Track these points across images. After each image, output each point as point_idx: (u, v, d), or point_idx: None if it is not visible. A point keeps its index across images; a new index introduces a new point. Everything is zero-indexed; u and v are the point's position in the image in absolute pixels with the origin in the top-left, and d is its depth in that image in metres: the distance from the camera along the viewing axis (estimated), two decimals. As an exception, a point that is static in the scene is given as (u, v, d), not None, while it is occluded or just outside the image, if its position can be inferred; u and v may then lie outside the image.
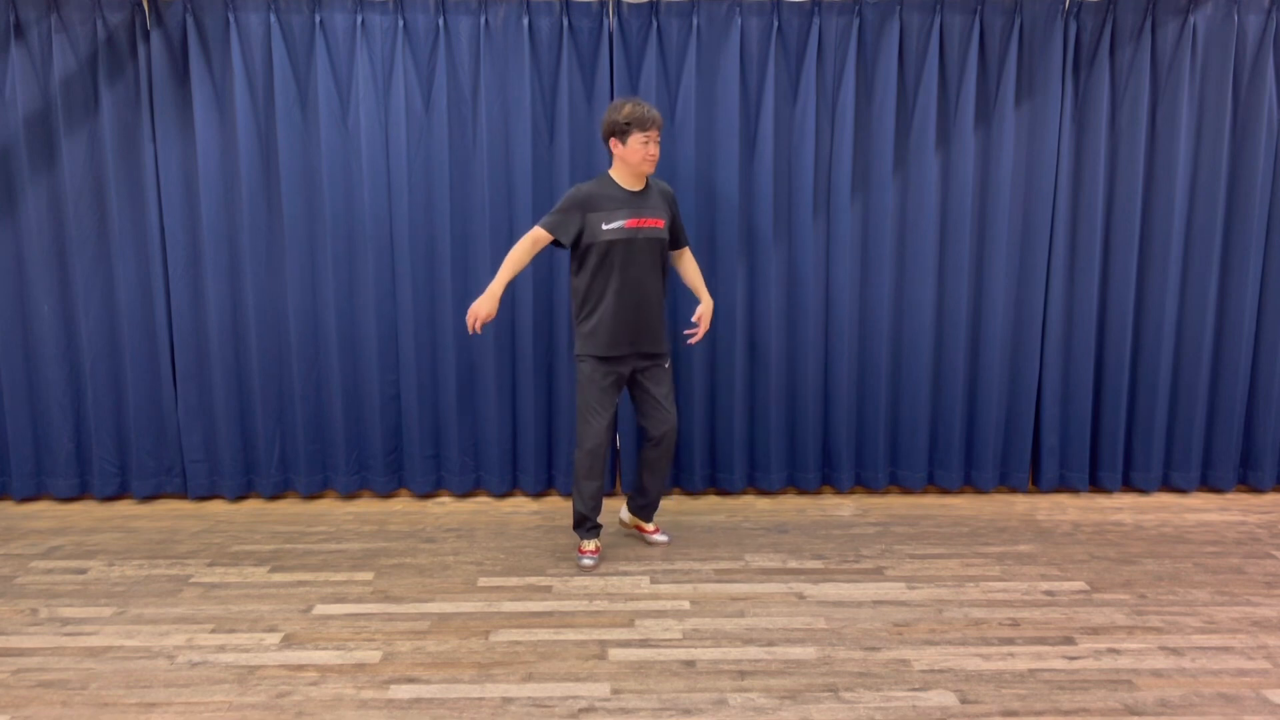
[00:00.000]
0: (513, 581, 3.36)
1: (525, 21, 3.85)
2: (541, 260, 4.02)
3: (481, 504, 4.19)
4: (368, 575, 3.41)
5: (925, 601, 3.19)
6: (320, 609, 3.14)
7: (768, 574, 3.42)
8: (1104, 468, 4.27)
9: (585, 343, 3.43)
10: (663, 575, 3.41)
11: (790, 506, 4.15)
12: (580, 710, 2.55)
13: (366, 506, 4.16)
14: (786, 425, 4.22)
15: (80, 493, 4.22)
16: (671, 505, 4.12)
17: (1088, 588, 3.30)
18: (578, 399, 3.47)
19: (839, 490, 4.29)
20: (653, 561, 3.54)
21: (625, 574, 3.43)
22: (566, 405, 4.13)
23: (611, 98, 3.94)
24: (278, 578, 3.40)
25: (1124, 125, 4.03)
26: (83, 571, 3.46)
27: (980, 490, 4.29)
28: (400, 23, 3.85)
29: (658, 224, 3.41)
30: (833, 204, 4.04)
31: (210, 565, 3.51)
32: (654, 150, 3.36)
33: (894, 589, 3.29)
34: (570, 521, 3.86)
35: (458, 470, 4.21)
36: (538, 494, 4.27)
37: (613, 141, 3.36)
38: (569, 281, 3.59)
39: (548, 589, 3.30)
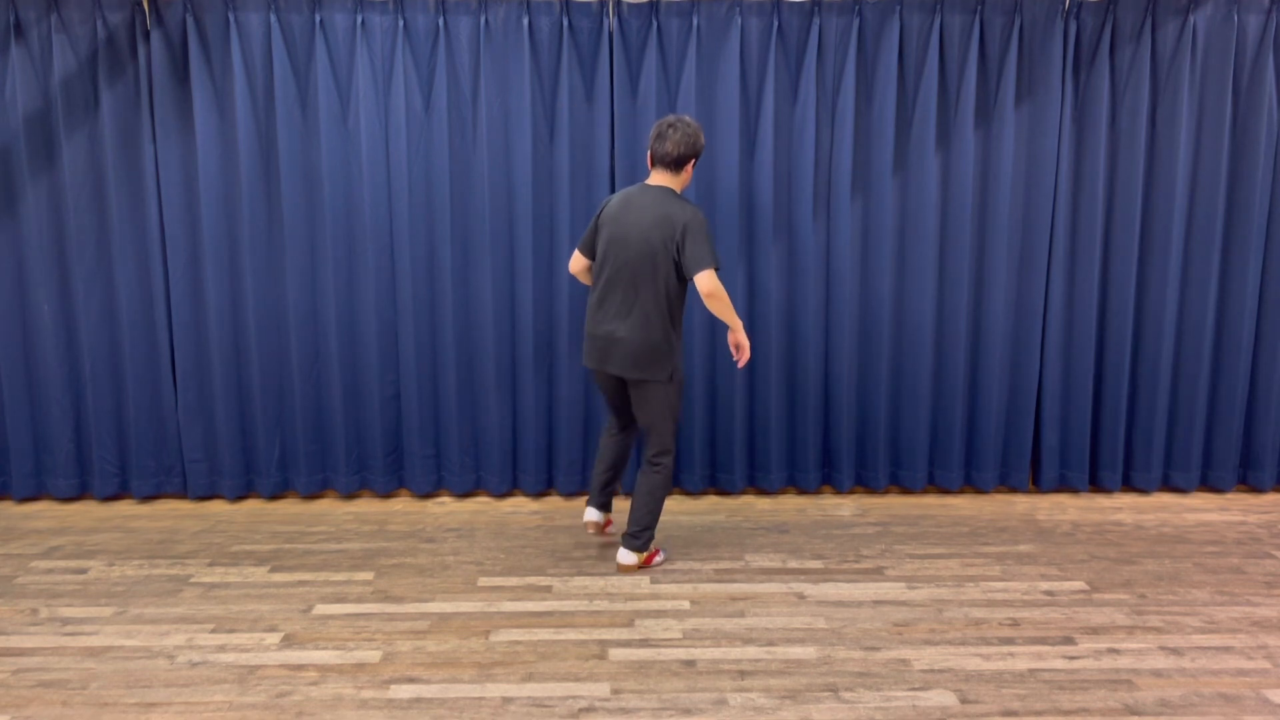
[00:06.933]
0: (513, 581, 3.36)
1: (525, 21, 3.85)
2: (542, 259, 4.02)
3: (481, 504, 4.19)
4: (368, 575, 3.41)
5: (925, 601, 3.19)
6: (320, 609, 3.15)
7: (768, 574, 3.42)
8: (1104, 468, 4.27)
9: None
10: (663, 575, 3.41)
11: (790, 506, 4.15)
12: (580, 710, 2.55)
13: (366, 506, 4.16)
14: (786, 425, 4.22)
15: (80, 493, 4.22)
16: (672, 505, 4.12)
17: (1088, 588, 3.30)
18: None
19: (839, 490, 4.29)
20: (653, 561, 3.54)
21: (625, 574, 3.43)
22: (566, 405, 4.13)
23: (612, 98, 3.94)
24: (278, 578, 3.40)
25: (1124, 125, 4.03)
26: (83, 571, 3.46)
27: (980, 490, 4.29)
28: (400, 23, 3.85)
29: None
30: (833, 204, 4.04)
31: (210, 565, 3.51)
32: None
33: (894, 589, 3.29)
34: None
35: (458, 470, 4.20)
36: (538, 494, 4.27)
37: (693, 164, 3.32)
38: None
39: (548, 589, 3.30)
